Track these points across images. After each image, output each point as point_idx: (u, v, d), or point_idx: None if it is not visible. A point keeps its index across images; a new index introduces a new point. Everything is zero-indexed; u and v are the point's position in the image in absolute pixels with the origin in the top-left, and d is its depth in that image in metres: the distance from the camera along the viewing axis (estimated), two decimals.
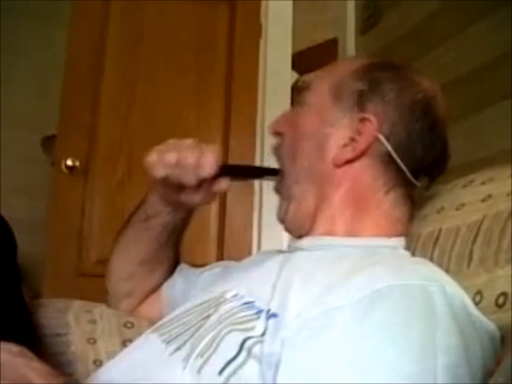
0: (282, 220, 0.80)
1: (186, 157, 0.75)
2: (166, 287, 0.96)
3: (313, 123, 0.77)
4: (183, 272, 0.97)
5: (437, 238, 0.70)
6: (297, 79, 2.40)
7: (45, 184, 2.11)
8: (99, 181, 1.99)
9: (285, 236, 0.86)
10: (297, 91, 0.82)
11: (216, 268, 0.96)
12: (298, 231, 0.78)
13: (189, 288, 0.93)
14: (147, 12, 2.16)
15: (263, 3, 2.37)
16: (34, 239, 1.95)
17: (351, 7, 2.08)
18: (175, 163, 0.75)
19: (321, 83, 0.79)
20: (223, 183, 0.79)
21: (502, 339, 0.56)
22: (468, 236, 0.65)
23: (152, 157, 0.77)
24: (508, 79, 1.30)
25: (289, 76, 2.42)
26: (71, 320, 0.96)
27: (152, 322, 0.86)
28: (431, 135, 0.74)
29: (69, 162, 1.91)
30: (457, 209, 0.71)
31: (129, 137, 2.04)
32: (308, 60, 2.48)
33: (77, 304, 1.02)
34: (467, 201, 0.71)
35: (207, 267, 0.98)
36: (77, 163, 1.93)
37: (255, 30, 2.34)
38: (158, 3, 2.17)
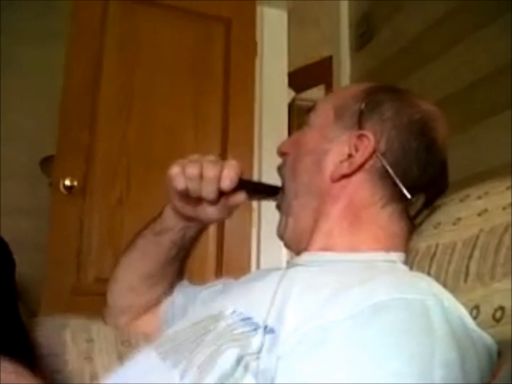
0: (281, 235, 0.81)
1: (208, 170, 0.78)
2: (165, 303, 0.96)
3: (314, 140, 0.79)
4: (183, 289, 0.97)
5: (434, 254, 0.70)
6: (295, 96, 2.42)
7: (45, 204, 2.11)
8: (97, 200, 2.00)
9: (284, 253, 0.87)
10: (305, 113, 0.84)
11: (216, 285, 0.96)
12: (297, 246, 0.79)
13: (188, 305, 0.93)
14: (144, 33, 2.18)
15: (258, 22, 2.39)
16: (34, 259, 1.94)
17: (344, 24, 2.10)
18: (196, 175, 0.78)
19: (326, 105, 0.82)
20: (240, 196, 0.82)
21: (499, 353, 0.55)
22: (464, 251, 0.65)
23: (174, 169, 0.80)
24: (503, 92, 1.31)
25: (286, 94, 2.44)
26: (68, 339, 0.95)
27: (149, 339, 0.86)
28: (427, 155, 0.75)
29: (67, 182, 1.92)
30: (454, 224, 0.71)
31: (126, 155, 2.05)
32: (304, 77, 2.51)
33: (74, 322, 1.01)
34: (463, 216, 0.71)
35: (208, 284, 0.98)
36: (75, 183, 1.94)
37: (251, 49, 2.36)
38: (154, 22, 2.19)
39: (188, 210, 0.85)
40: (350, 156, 0.74)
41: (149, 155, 2.07)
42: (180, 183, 0.79)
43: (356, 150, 0.74)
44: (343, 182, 0.75)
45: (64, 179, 1.92)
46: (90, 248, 1.94)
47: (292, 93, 2.43)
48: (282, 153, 0.85)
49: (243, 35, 2.35)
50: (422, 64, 1.64)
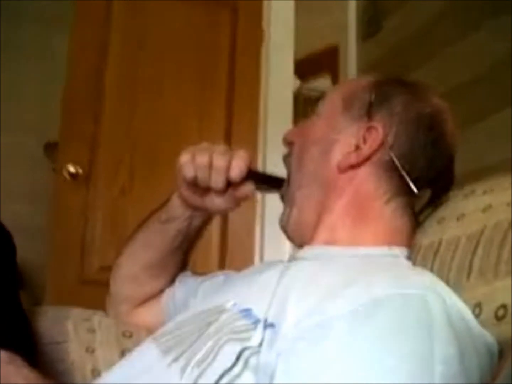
0: (284, 226, 0.81)
1: (217, 159, 0.78)
2: (167, 294, 0.96)
3: (321, 129, 0.79)
4: (185, 279, 0.97)
5: (437, 249, 0.70)
6: (300, 85, 2.41)
7: (48, 190, 2.11)
8: (101, 188, 1.99)
9: (288, 245, 0.87)
10: (315, 102, 0.84)
11: (218, 277, 0.96)
12: (300, 238, 0.79)
13: (189, 297, 0.93)
14: (149, 19, 2.17)
15: (265, 9, 2.37)
16: (37, 246, 1.95)
17: (352, 13, 2.09)
18: (206, 164, 0.78)
19: (335, 94, 0.82)
20: (248, 188, 0.82)
21: (501, 352, 0.55)
22: (468, 247, 0.64)
23: (184, 157, 0.80)
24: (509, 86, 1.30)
25: (292, 82, 2.42)
26: (70, 329, 0.96)
27: (150, 330, 0.86)
28: (434, 150, 0.75)
29: (71, 169, 1.92)
30: (458, 219, 0.71)
31: (131, 144, 2.05)
32: (309, 66, 2.49)
33: (76, 312, 1.01)
34: (467, 211, 0.70)
35: (209, 275, 0.98)
36: (80, 170, 1.93)
37: (257, 36, 2.34)
38: (160, 9, 2.17)
39: (196, 199, 0.85)
40: (357, 147, 0.74)
41: (153, 145, 2.07)
42: (189, 172, 0.80)
43: (364, 142, 0.74)
44: (350, 173, 0.75)
45: (68, 166, 1.92)
46: (93, 236, 1.94)
47: (298, 82, 2.41)
48: (288, 142, 0.85)
49: (250, 23, 2.33)
50: (428, 56, 1.63)
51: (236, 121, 2.20)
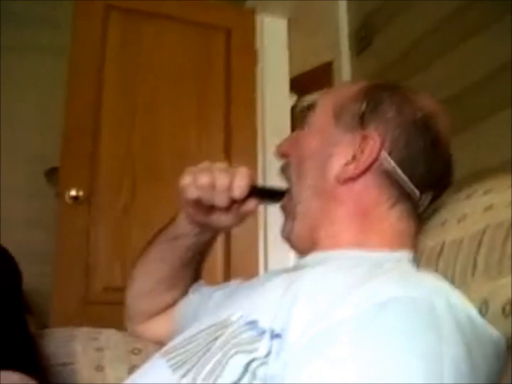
0: (287, 238, 0.81)
1: (219, 179, 0.78)
2: (180, 304, 0.97)
3: (316, 143, 0.78)
4: (198, 289, 0.98)
5: (440, 251, 0.70)
6: (298, 99, 2.42)
7: (53, 216, 2.11)
8: (103, 209, 2.00)
9: (292, 254, 0.86)
10: (303, 112, 0.84)
11: (231, 286, 0.96)
12: (303, 248, 0.79)
13: (200, 306, 0.93)
14: (145, 43, 2.20)
15: (258, 31, 2.40)
16: (44, 272, 1.95)
17: (344, 30, 2.11)
18: (208, 185, 0.78)
19: (325, 105, 0.81)
20: (252, 204, 0.82)
21: (508, 348, 0.55)
22: (471, 247, 0.65)
23: (185, 179, 0.80)
24: (503, 95, 1.31)
25: (288, 100, 2.45)
26: (78, 349, 0.96)
27: (159, 344, 0.87)
28: (433, 152, 0.74)
29: (72, 193, 1.93)
30: (460, 220, 0.71)
31: (131, 164, 2.06)
32: (305, 83, 2.51)
33: (83, 331, 1.01)
34: (469, 212, 0.70)
35: (222, 285, 0.99)
36: (81, 193, 1.94)
37: (251, 57, 2.37)
38: (155, 33, 2.21)
39: (201, 217, 0.85)
40: (354, 158, 0.74)
41: (154, 163, 2.08)
42: (192, 193, 0.80)
43: (362, 152, 0.73)
44: (350, 184, 0.74)
45: (70, 190, 1.93)
46: (97, 257, 1.95)
47: (295, 97, 2.43)
48: (282, 154, 0.84)
49: (243, 44, 2.36)
50: (422, 67, 1.64)
51: (235, 139, 2.22)
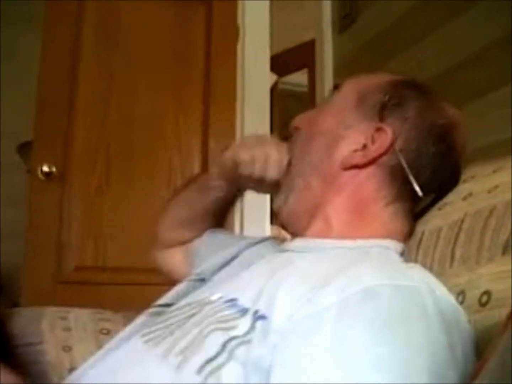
0: (278, 210, 0.81)
1: (273, 154, 0.82)
2: (194, 243, 1.01)
3: (331, 121, 0.78)
4: (214, 234, 1.01)
5: (420, 240, 0.70)
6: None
7: (24, 192, 2.08)
8: (76, 186, 1.97)
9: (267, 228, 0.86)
10: (331, 91, 0.84)
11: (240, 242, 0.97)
12: (293, 226, 0.79)
13: (211, 248, 0.95)
14: (122, 17, 2.14)
15: (239, 6, 2.36)
16: (16, 249, 1.92)
17: (327, 7, 2.08)
18: (263, 160, 0.82)
19: (350, 88, 0.80)
20: None
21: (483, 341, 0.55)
22: (449, 236, 0.64)
23: (244, 157, 0.84)
24: (491, 74, 1.30)
25: (268, 78, 2.42)
26: (45, 328, 0.95)
27: (168, 275, 1.00)
28: (443, 161, 0.74)
29: (45, 168, 1.88)
30: (439, 209, 0.71)
31: (106, 141, 2.02)
32: (286, 61, 2.49)
33: (51, 311, 1.00)
34: (448, 200, 0.70)
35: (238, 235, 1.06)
36: (54, 169, 1.90)
37: (232, 33, 2.33)
38: (133, 7, 2.15)
39: (240, 182, 0.89)
40: (364, 146, 0.73)
41: (129, 142, 2.05)
42: (247, 169, 0.83)
43: (373, 142, 0.73)
44: (353, 172, 0.74)
45: (42, 165, 1.88)
46: (69, 236, 1.91)
47: (274, 77, 2.41)
48: (294, 127, 0.84)
49: (225, 19, 2.32)
50: (406, 46, 1.62)
51: (214, 117, 2.19)
